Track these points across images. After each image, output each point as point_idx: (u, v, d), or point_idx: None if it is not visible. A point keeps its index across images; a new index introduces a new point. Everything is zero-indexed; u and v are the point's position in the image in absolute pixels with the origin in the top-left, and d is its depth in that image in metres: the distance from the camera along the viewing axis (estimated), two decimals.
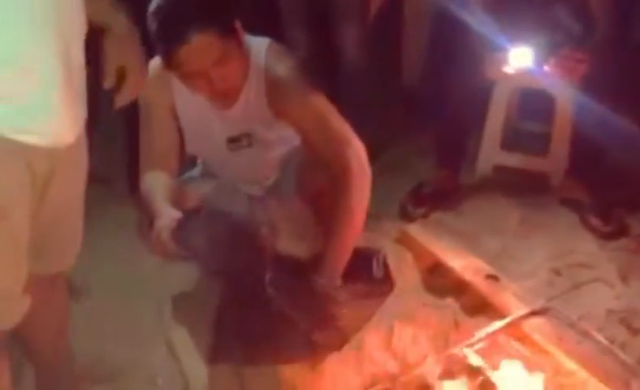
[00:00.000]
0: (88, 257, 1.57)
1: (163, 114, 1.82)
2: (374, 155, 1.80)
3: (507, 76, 2.37)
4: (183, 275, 2.02)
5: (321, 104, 1.75)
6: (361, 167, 1.71)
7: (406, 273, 2.08)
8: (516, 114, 2.72)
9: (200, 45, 1.60)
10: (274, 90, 1.75)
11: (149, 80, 1.75)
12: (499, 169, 2.58)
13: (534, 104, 2.61)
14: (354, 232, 1.73)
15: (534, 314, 1.81)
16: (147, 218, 1.69)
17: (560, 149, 2.49)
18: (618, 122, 2.17)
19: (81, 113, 1.28)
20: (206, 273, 1.97)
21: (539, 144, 2.60)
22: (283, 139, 1.87)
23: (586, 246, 2.20)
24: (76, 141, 1.29)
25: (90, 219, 1.50)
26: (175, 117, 1.84)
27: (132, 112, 1.78)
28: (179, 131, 1.87)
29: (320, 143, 1.73)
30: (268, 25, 2.15)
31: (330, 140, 1.71)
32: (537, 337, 1.74)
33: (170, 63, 1.67)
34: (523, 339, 1.75)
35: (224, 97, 1.74)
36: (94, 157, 1.46)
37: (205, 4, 1.63)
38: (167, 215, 1.64)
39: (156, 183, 1.77)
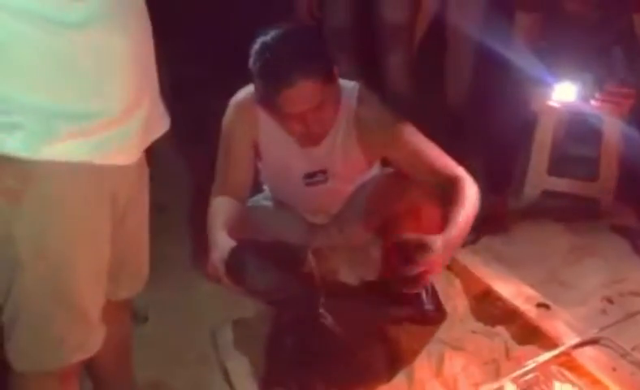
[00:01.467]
0: (147, 283, 1.63)
1: (244, 146, 1.88)
2: None
3: (552, 109, 2.38)
4: (239, 302, 2.07)
5: (416, 132, 1.80)
6: (471, 179, 1.77)
7: (455, 300, 2.10)
8: (563, 139, 2.72)
9: (303, 90, 1.65)
10: (368, 129, 1.82)
11: (236, 110, 1.84)
12: (547, 194, 2.58)
13: (581, 127, 2.61)
14: (466, 227, 1.73)
15: (586, 343, 1.81)
16: (205, 248, 1.75)
17: (609, 173, 2.48)
18: None
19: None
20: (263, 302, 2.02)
21: (588, 168, 2.60)
22: (358, 175, 1.93)
23: (638, 274, 2.18)
24: (144, 166, 1.36)
25: (149, 246, 1.56)
26: (256, 150, 1.90)
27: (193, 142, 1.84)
28: (256, 163, 1.94)
29: (424, 173, 1.79)
30: None
31: (439, 161, 1.79)
32: (589, 367, 1.74)
33: (269, 103, 1.73)
34: (575, 369, 1.75)
35: (313, 136, 1.80)
36: (151, 184, 1.52)
37: (310, 50, 1.69)
38: (222, 246, 1.69)
39: (221, 209, 1.82)
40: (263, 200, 2.09)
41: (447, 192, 1.74)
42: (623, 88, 2.18)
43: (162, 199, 2.53)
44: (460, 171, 1.78)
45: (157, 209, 2.53)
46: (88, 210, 1.25)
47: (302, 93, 1.65)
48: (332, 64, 1.73)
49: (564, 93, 2.27)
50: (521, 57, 2.31)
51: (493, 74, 2.50)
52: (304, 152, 1.87)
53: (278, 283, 1.67)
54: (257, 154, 1.92)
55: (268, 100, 1.72)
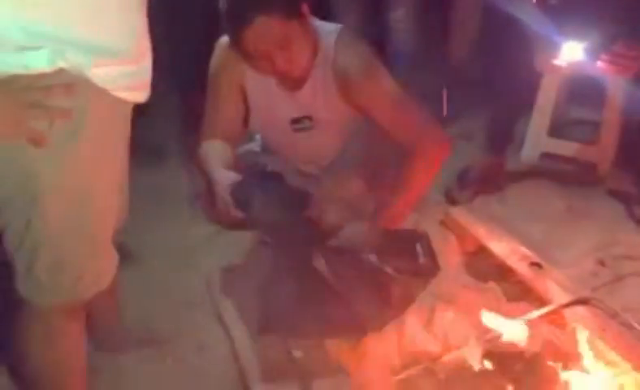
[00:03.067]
0: (140, 226, 1.63)
1: (231, 89, 1.87)
2: None
3: (557, 69, 2.35)
4: (232, 247, 2.08)
5: (393, 90, 1.79)
6: (435, 148, 1.80)
7: (449, 255, 2.11)
8: (565, 101, 2.70)
9: (262, 28, 1.65)
10: (345, 77, 1.79)
11: (222, 53, 1.82)
12: (546, 156, 2.58)
13: (584, 91, 2.60)
14: (412, 199, 1.88)
15: (576, 303, 1.82)
16: (205, 185, 1.75)
17: (609, 139, 2.48)
18: None
19: None
20: (260, 239, 2.02)
21: (588, 132, 2.59)
22: (345, 123, 1.91)
23: (631, 238, 2.19)
24: None
25: (143, 189, 1.56)
26: (243, 93, 1.89)
27: (189, 86, 1.82)
28: (245, 107, 1.92)
29: (394, 127, 1.79)
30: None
31: (404, 124, 1.77)
32: (578, 326, 1.76)
33: (234, 43, 1.73)
34: (564, 327, 1.77)
35: (290, 79, 1.78)
36: (147, 128, 1.51)
37: None
38: (227, 178, 1.69)
39: (214, 150, 1.82)
40: (252, 147, 2.08)
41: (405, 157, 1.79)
42: (631, 50, 2.15)
43: (158, 140, 2.53)
44: (423, 141, 1.79)
45: (153, 152, 2.55)
46: (109, 139, 1.26)
47: (262, 30, 1.65)
48: (298, 2, 1.71)
49: (571, 52, 2.24)
50: (528, 14, 2.28)
51: (499, 31, 2.48)
52: (288, 96, 1.85)
53: (284, 220, 1.67)
54: (244, 99, 1.91)
55: (235, 41, 1.72)
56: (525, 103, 2.54)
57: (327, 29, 1.82)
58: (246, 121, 1.95)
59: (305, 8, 1.74)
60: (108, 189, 1.29)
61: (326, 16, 1.96)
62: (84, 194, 1.23)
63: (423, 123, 1.82)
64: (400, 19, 2.64)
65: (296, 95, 1.85)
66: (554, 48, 2.26)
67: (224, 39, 1.84)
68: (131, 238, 1.80)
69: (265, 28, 1.65)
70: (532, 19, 2.26)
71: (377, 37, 2.62)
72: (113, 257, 1.38)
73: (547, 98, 2.54)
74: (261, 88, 1.86)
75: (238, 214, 1.63)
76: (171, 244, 2.18)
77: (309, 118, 1.89)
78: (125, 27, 1.19)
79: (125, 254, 1.94)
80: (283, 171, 1.97)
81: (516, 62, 2.38)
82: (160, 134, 2.64)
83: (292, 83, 1.82)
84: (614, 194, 2.40)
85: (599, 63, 2.21)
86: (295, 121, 1.90)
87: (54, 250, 1.25)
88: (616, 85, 2.38)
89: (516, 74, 2.39)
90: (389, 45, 2.67)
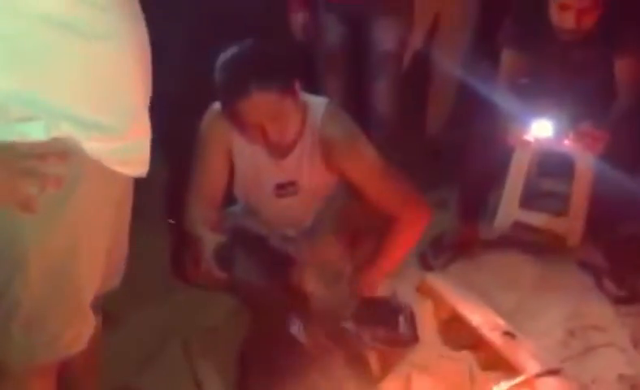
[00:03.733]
0: (122, 288, 1.64)
1: (219, 154, 1.94)
2: None
3: (527, 144, 2.45)
4: (211, 310, 2.10)
5: (377, 160, 1.88)
6: (416, 217, 1.92)
7: (425, 322, 2.15)
8: (536, 173, 2.79)
9: (259, 101, 1.72)
10: (330, 148, 1.88)
11: (212, 119, 1.88)
12: (518, 226, 2.65)
13: (555, 163, 2.69)
14: (391, 265, 2.01)
15: (548, 373, 1.87)
16: (188, 248, 1.78)
17: (579, 211, 2.55)
18: (636, 191, 2.25)
19: None
20: (242, 301, 2.04)
21: (559, 204, 2.67)
22: (327, 189, 1.99)
23: (601, 309, 2.26)
24: None
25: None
26: (230, 158, 1.96)
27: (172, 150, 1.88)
28: (230, 171, 1.99)
29: (377, 196, 1.89)
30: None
31: (387, 193, 1.86)
32: None
33: (228, 112, 1.80)
34: None
35: (278, 147, 1.87)
36: None
37: (267, 63, 1.77)
38: (211, 240, 1.74)
39: (199, 212, 1.88)
40: (235, 209, 2.12)
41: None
42: (596, 130, 2.27)
43: (138, 202, 2.53)
44: (404, 209, 1.90)
45: (133, 211, 2.55)
46: (98, 208, 1.28)
47: (259, 104, 1.73)
48: (292, 78, 1.80)
49: (541, 129, 2.35)
50: (501, 92, 2.39)
51: (473, 106, 2.58)
52: (274, 163, 1.93)
53: (266, 282, 1.70)
54: (230, 163, 1.97)
55: (229, 111, 1.79)
56: (497, 174, 2.63)
57: (315, 102, 1.92)
58: (231, 184, 2.01)
59: (297, 84, 1.83)
60: (92, 256, 1.31)
61: (309, 84, 2.05)
62: (67, 260, 1.26)
63: (405, 192, 1.91)
64: (380, 90, 2.73)
65: (282, 162, 1.92)
66: (524, 124, 2.36)
67: (215, 105, 1.91)
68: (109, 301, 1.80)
69: (261, 102, 1.73)
70: (504, 96, 2.37)
71: (357, 107, 2.71)
72: (91, 321, 1.39)
73: (518, 170, 2.62)
74: (247, 153, 1.93)
75: (221, 275, 1.67)
76: (149, 308, 2.18)
77: (294, 184, 1.95)
78: (121, 105, 1.23)
79: (105, 317, 1.96)
80: (265, 233, 2.02)
81: (489, 134, 2.48)
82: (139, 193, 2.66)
83: (279, 151, 1.89)
84: (584, 265, 2.48)
85: (567, 141, 2.31)
86: (279, 187, 1.96)
87: (32, 311, 1.26)
88: (585, 159, 2.48)
89: (489, 146, 2.49)
90: (369, 116, 2.75)
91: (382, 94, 2.72)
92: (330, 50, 2.68)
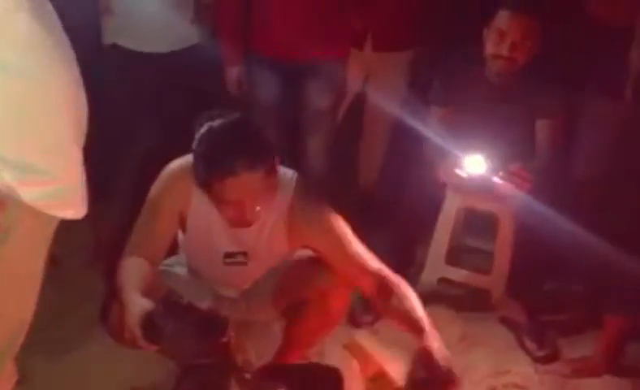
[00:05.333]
0: (35, 343, 1.57)
1: (171, 217, 1.87)
2: None
3: (458, 186, 2.53)
4: (136, 368, 2.03)
5: (345, 235, 1.88)
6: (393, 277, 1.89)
7: (351, 382, 2.14)
8: (462, 230, 2.87)
9: (246, 181, 1.69)
10: (299, 221, 1.86)
11: (169, 180, 1.84)
12: (444, 282, 2.71)
13: (479, 221, 2.78)
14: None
15: None
16: (116, 304, 1.71)
17: (501, 268, 2.64)
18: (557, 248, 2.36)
19: None
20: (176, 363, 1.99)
21: (483, 260, 2.75)
22: (278, 260, 1.96)
23: (522, 367, 2.32)
24: None
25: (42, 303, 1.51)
26: (181, 220, 1.90)
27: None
28: (177, 231, 1.94)
29: (344, 268, 1.88)
30: None
31: (354, 266, 1.86)
32: None
33: (208, 186, 1.75)
34: None
35: (246, 222, 1.81)
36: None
37: (255, 142, 1.74)
38: (139, 306, 1.65)
39: (134, 270, 1.79)
40: (177, 265, 2.07)
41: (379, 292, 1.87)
42: (523, 171, 2.38)
43: (56, 251, 2.44)
44: (384, 272, 1.88)
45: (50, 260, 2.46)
46: (29, 257, 1.24)
47: (245, 183, 1.69)
48: (275, 157, 1.78)
49: (473, 164, 2.43)
50: (433, 130, 2.50)
51: (406, 153, 2.64)
52: (229, 231, 1.88)
53: (196, 349, 1.65)
54: (181, 225, 1.92)
55: (207, 183, 1.74)
56: (425, 228, 2.69)
57: (286, 176, 1.89)
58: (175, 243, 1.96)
59: (277, 161, 1.80)
60: (20, 306, 1.26)
61: None
62: None
63: (370, 265, 1.88)
64: (313, 146, 2.77)
65: (238, 232, 1.88)
66: (458, 160, 2.44)
67: (173, 167, 1.86)
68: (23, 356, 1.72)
69: (247, 182, 1.69)
70: (436, 133, 2.46)
71: (292, 162, 2.73)
72: (12, 376, 1.33)
73: (445, 225, 2.69)
74: (203, 216, 1.87)
75: (146, 346, 1.60)
76: (67, 364, 2.10)
77: (245, 254, 1.92)
78: (52, 146, 1.19)
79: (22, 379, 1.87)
80: (200, 295, 1.97)
81: (418, 187, 2.55)
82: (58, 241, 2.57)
83: (243, 223, 1.83)
84: (506, 322, 2.54)
85: (496, 179, 2.41)
86: (228, 255, 1.92)
87: None
88: (506, 219, 2.58)
89: (418, 199, 2.55)
90: (302, 169, 2.77)
91: (315, 150, 2.76)
92: (265, 106, 2.70)
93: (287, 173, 1.90)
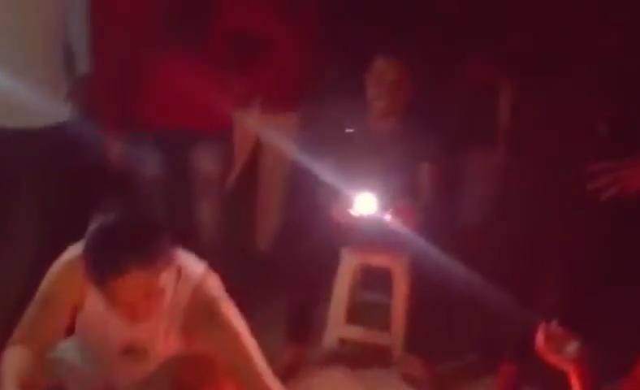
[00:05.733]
0: None
1: (64, 307, 1.76)
2: None
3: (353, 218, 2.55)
4: None
5: (242, 340, 1.76)
6: None
7: None
8: (361, 287, 2.89)
9: (136, 279, 1.57)
10: (194, 318, 1.74)
11: (64, 270, 1.73)
12: (345, 342, 2.70)
13: (376, 278, 2.81)
14: None
15: None
16: None
17: (398, 323, 2.66)
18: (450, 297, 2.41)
19: None
20: None
21: (382, 317, 2.76)
22: (172, 351, 1.87)
23: None
24: None
25: None
26: (75, 312, 1.78)
27: None
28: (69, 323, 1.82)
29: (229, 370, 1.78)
30: None
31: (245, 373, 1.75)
32: None
33: (101, 287, 1.62)
34: None
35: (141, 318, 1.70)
36: None
37: (146, 236, 1.61)
38: None
39: (18, 359, 1.68)
40: (69, 350, 1.95)
41: None
42: (408, 208, 2.47)
43: None
44: None
45: None
46: None
47: (137, 283, 1.58)
48: (172, 253, 1.67)
49: (364, 204, 2.46)
50: (325, 175, 2.53)
51: (301, 209, 2.64)
52: (127, 326, 1.75)
53: None
54: (74, 316, 1.81)
55: (97, 282, 1.62)
56: (323, 290, 2.69)
57: (189, 266, 1.77)
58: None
59: (176, 254, 1.70)
60: None
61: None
62: None
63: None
64: (205, 212, 2.73)
65: (135, 326, 1.74)
66: (349, 201, 2.48)
67: (69, 256, 1.74)
68: None
69: (140, 281, 1.57)
70: (329, 178, 2.51)
71: (184, 230, 2.67)
72: None
73: (343, 284, 2.70)
74: (99, 309, 1.74)
75: None
76: None
77: (141, 348, 1.81)
78: None
79: None
80: (93, 382, 1.87)
81: (314, 248, 2.55)
82: None
83: (138, 319, 1.70)
84: (407, 379, 2.56)
85: (387, 215, 2.46)
86: (124, 349, 1.81)
87: None
88: (400, 271, 2.62)
89: (315, 260, 2.55)
90: (195, 236, 2.71)
91: (207, 218, 2.71)
92: (150, 180, 2.63)
93: (192, 264, 1.79)
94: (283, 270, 2.79)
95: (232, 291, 1.88)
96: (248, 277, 3.03)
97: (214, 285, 1.82)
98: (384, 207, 2.48)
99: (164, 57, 2.53)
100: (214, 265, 2.41)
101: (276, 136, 2.99)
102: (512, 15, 2.35)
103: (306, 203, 2.74)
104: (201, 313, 1.76)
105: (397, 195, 2.54)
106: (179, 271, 1.75)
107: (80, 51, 2.49)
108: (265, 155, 3.10)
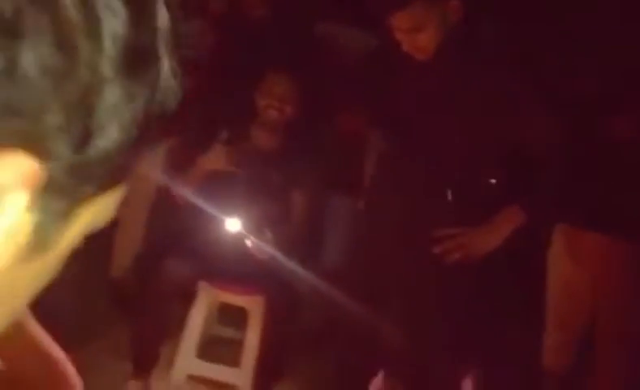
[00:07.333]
0: None
1: None
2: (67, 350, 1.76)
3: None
4: None
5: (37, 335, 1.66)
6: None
7: None
8: (215, 321, 2.84)
9: None
10: None
11: None
12: (195, 378, 2.63)
13: (232, 312, 2.78)
14: None
15: None
16: None
17: (249, 361, 2.62)
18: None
19: None
20: None
21: (235, 353, 2.73)
22: None
23: None
24: None
25: None
26: None
27: None
28: None
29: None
30: None
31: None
32: None
33: None
34: None
35: None
36: None
37: None
38: None
39: None
40: None
41: None
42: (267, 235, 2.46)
43: None
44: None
45: None
46: None
47: None
48: None
49: (232, 226, 2.43)
50: (193, 200, 2.47)
51: (162, 237, 2.55)
52: None
53: None
54: None
55: None
56: (171, 324, 2.62)
57: None
58: None
59: None
60: None
61: None
62: None
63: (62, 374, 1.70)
64: None
65: None
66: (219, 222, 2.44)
67: None
68: None
69: None
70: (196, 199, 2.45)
71: None
72: None
73: (196, 321, 2.64)
74: None
75: None
76: None
77: None
78: None
79: None
80: None
81: (165, 280, 2.48)
82: None
83: None
84: None
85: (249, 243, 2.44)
86: None
87: None
88: (256, 310, 2.60)
89: (164, 293, 2.48)
90: None
91: None
92: None
93: None
94: (132, 299, 2.71)
95: None
96: (101, 303, 2.92)
97: None
98: (250, 231, 2.46)
99: None
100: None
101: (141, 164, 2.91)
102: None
103: (165, 232, 2.67)
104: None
105: (265, 219, 2.53)
106: None
107: None
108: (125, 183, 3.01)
